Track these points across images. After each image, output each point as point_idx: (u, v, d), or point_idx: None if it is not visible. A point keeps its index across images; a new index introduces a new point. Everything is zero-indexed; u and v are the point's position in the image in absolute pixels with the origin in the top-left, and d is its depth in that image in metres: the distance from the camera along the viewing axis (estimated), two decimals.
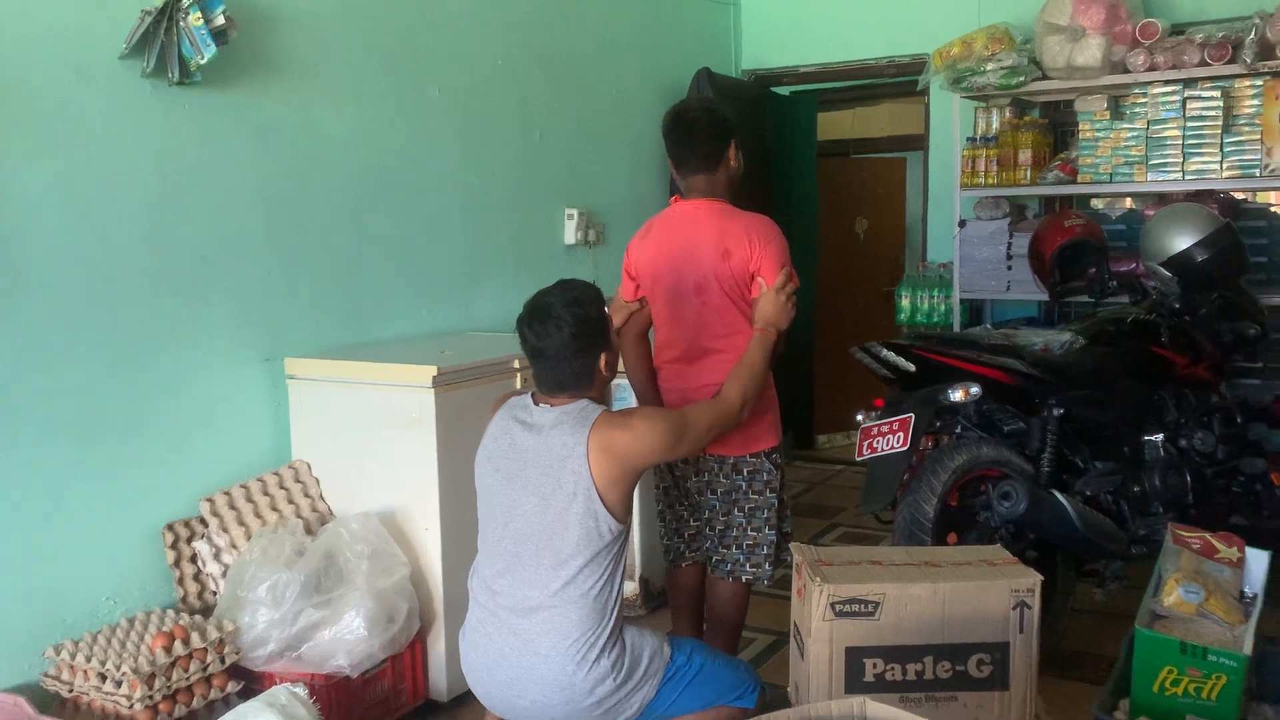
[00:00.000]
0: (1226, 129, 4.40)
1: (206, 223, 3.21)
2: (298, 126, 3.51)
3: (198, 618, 2.94)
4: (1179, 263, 3.73)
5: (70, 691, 2.72)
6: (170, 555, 3.09)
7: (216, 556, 3.13)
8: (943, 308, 5.30)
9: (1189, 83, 4.46)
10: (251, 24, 3.27)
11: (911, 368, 3.36)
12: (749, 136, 5.57)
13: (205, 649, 2.78)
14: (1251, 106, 4.38)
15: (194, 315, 3.19)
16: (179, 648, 2.72)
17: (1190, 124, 4.45)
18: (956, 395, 3.25)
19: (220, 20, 2.99)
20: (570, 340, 2.34)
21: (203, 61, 2.98)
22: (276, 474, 3.38)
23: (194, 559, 3.15)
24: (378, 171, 3.82)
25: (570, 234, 4.80)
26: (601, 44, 5.03)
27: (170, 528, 3.12)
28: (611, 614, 2.32)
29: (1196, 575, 2.59)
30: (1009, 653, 2.34)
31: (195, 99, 3.15)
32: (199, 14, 2.93)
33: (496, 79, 4.38)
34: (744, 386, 2.65)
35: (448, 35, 4.12)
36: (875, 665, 2.30)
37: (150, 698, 2.64)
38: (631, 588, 4.00)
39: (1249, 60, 4.25)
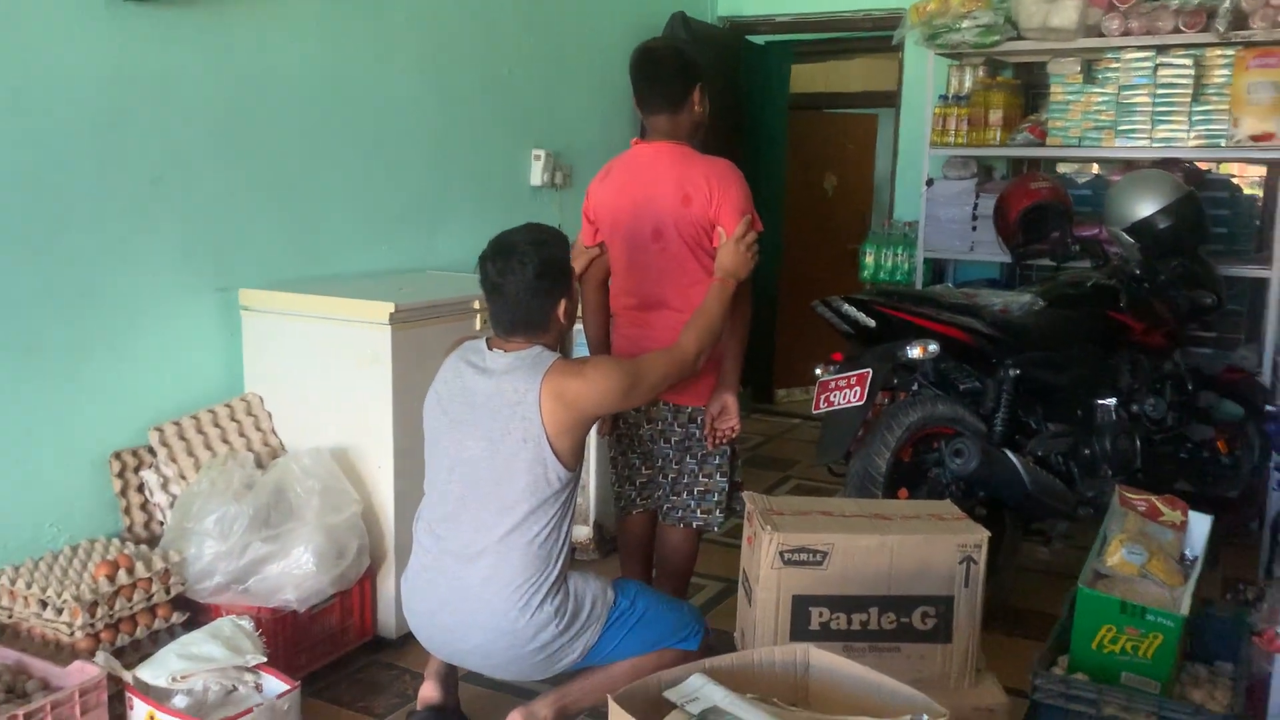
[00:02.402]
0: (1196, 98, 4.40)
1: (160, 145, 3.13)
2: (258, 50, 3.41)
3: (143, 548, 2.90)
4: (1141, 229, 3.77)
5: (10, 618, 2.68)
6: (117, 484, 3.05)
7: (164, 487, 3.09)
8: (906, 266, 5.32)
9: (1161, 49, 4.44)
10: None
11: (871, 323, 3.36)
12: (722, 85, 5.52)
13: (150, 579, 2.75)
14: (1221, 76, 4.37)
15: (144, 240, 3.11)
16: (123, 577, 2.69)
17: (1160, 91, 4.44)
18: (914, 352, 3.26)
19: None
20: (532, 280, 2.31)
21: None
22: (228, 406, 3.33)
23: (141, 488, 3.11)
24: (340, 101, 3.73)
25: (537, 175, 4.74)
26: None
27: (118, 456, 3.07)
28: (557, 561, 2.32)
29: (1140, 537, 2.64)
30: (953, 606, 2.37)
31: (154, 16, 3.04)
32: None
33: (467, 12, 4.28)
34: (700, 336, 2.60)
35: None
36: (821, 614, 2.33)
37: (92, 626, 2.61)
38: (585, 532, 4.01)
39: (1221, 29, 4.24)
